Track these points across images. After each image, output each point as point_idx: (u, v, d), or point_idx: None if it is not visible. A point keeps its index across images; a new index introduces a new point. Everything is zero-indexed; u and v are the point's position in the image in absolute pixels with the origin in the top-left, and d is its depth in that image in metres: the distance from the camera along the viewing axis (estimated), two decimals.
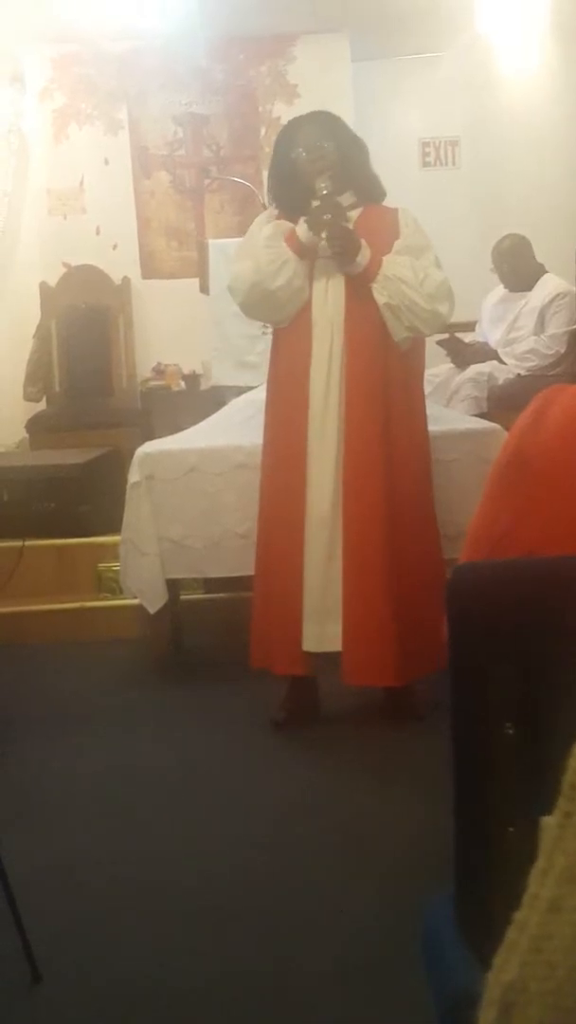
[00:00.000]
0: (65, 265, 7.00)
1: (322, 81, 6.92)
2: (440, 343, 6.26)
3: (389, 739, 3.72)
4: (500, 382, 5.94)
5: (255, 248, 3.70)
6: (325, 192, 3.61)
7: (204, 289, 5.53)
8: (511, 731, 1.25)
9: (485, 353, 6.11)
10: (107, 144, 7.07)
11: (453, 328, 6.14)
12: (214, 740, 3.82)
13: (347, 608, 3.69)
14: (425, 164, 7.54)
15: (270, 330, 4.07)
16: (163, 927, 2.68)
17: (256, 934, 2.63)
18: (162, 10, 6.01)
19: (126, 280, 7.01)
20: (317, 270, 3.69)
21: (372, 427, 3.68)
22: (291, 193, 3.76)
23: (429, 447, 3.87)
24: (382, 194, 3.86)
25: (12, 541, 5.13)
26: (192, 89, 7.01)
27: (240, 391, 5.03)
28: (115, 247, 7.08)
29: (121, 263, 7.04)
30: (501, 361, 6.06)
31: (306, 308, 3.69)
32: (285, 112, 6.92)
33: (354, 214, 3.73)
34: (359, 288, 3.66)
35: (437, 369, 6.23)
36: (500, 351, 6.10)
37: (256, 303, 3.74)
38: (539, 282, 6.13)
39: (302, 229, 3.64)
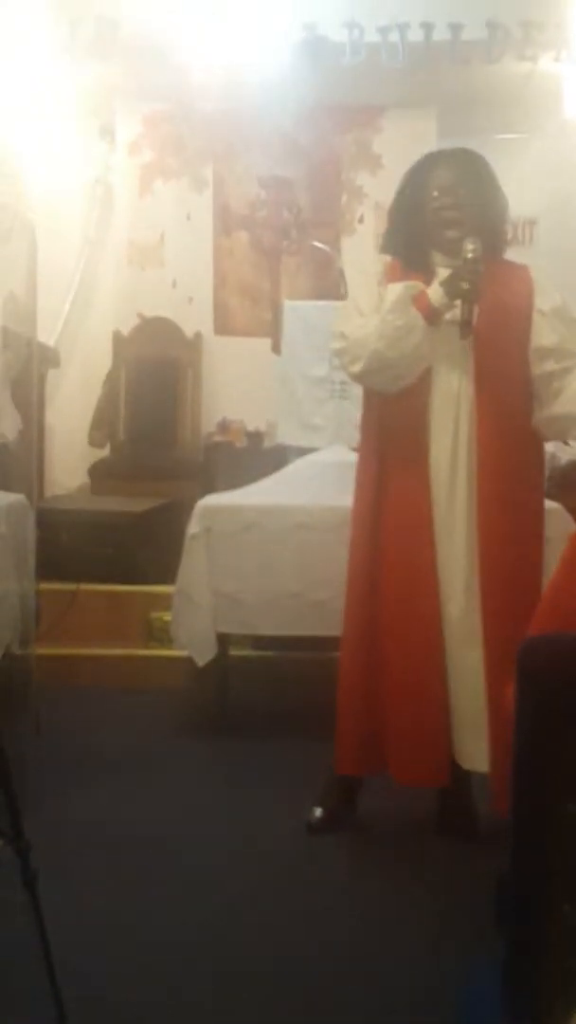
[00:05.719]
0: (139, 316, 7.10)
1: (407, 153, 6.90)
2: None
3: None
4: (563, 463, 5.92)
5: (378, 311, 3.21)
6: (471, 255, 3.13)
7: (276, 349, 5.57)
8: (574, 809, 1.23)
9: None
10: (190, 200, 7.20)
11: None
12: (253, 796, 3.80)
13: (494, 721, 3.16)
14: None
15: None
16: (195, 985, 2.66)
17: (289, 998, 2.60)
18: (257, 76, 6.11)
19: (198, 335, 7.09)
20: (440, 333, 3.20)
21: (505, 515, 3.24)
22: (412, 241, 3.34)
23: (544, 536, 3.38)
24: (505, 248, 3.48)
25: (67, 584, 5.16)
26: (277, 152, 7.12)
27: (303, 452, 5.06)
28: (190, 301, 7.18)
29: (195, 317, 7.13)
30: (564, 442, 6.04)
31: (425, 375, 3.23)
32: (368, 182, 7.03)
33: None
34: (489, 361, 3.25)
35: None
36: None
37: (376, 370, 3.20)
38: None
39: (436, 294, 3.17)
